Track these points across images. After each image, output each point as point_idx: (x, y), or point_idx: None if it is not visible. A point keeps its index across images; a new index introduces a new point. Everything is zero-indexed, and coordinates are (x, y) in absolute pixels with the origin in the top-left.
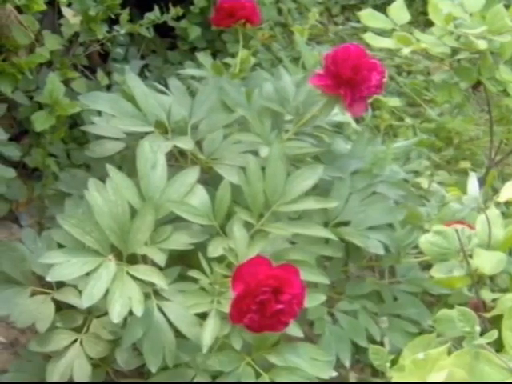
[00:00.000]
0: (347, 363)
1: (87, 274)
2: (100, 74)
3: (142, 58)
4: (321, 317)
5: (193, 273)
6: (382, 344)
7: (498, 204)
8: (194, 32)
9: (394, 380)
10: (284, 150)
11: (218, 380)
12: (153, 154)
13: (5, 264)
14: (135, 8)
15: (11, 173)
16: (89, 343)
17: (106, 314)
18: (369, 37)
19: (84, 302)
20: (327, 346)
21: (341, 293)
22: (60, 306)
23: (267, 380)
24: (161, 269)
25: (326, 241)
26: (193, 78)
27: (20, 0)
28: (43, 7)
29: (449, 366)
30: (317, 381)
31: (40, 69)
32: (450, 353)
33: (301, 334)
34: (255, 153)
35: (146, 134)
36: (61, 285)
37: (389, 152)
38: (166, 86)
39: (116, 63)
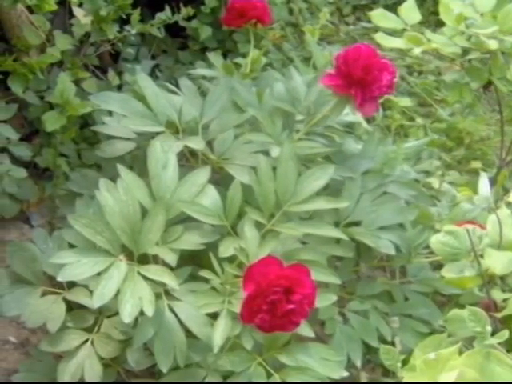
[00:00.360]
0: (358, 363)
1: (98, 274)
2: (111, 73)
3: (153, 57)
4: (332, 317)
5: (204, 273)
6: (393, 344)
7: (508, 204)
8: (205, 32)
9: (405, 380)
10: (295, 150)
11: (228, 380)
12: (164, 154)
13: (16, 264)
14: (146, 8)
15: (22, 173)
16: (100, 343)
17: (116, 313)
18: (380, 37)
19: (95, 302)
20: (338, 345)
21: (352, 293)
22: (71, 306)
23: (278, 380)
24: (172, 269)
25: (337, 241)
26: (204, 77)
27: (31, 0)
28: (54, 7)
29: (460, 366)
30: (328, 381)
31: (51, 69)
32: (461, 353)
33: (312, 334)
34: (266, 153)
35: (157, 134)
36: (72, 285)
37: (400, 152)
38: (176, 85)
39: (127, 63)
